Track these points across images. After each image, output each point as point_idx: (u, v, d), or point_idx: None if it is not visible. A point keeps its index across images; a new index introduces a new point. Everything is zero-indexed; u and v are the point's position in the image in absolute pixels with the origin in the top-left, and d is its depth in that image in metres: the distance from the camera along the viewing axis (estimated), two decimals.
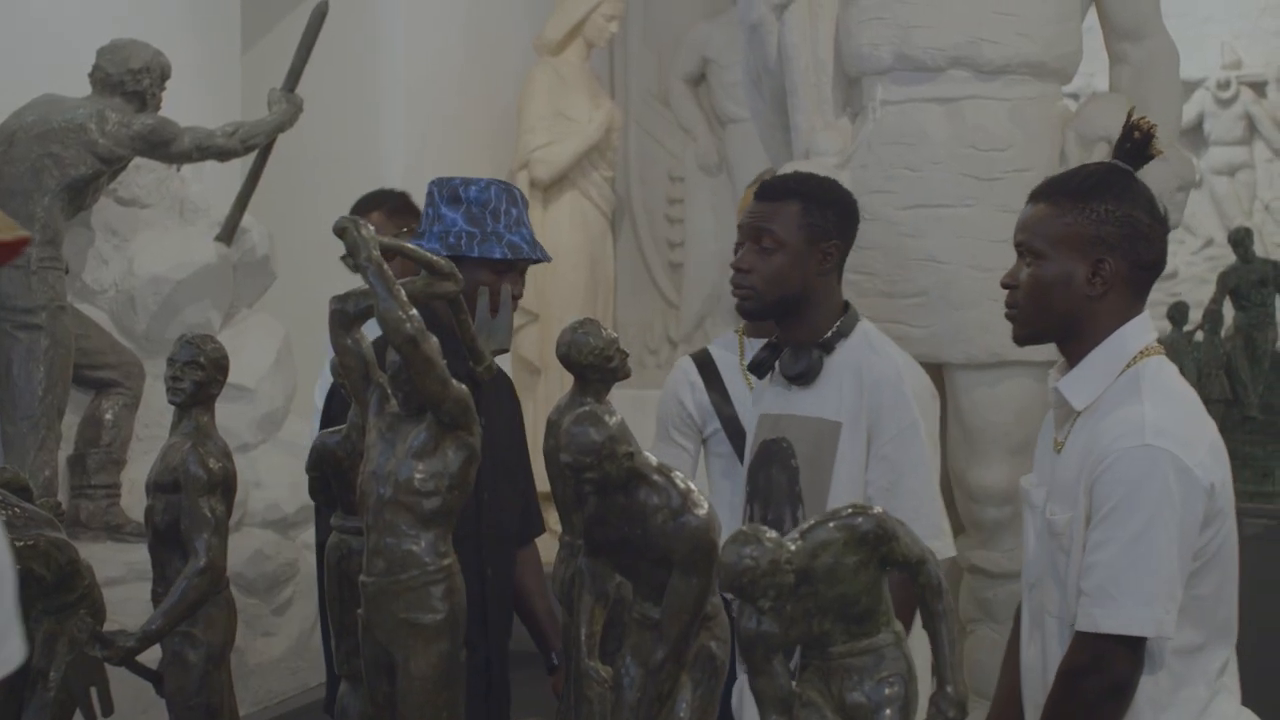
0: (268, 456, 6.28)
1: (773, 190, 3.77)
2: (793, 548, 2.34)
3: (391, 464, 2.62)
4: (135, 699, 4.50)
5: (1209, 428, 2.95)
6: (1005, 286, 3.09)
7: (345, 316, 2.71)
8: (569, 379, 3.22)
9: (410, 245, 2.75)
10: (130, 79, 5.69)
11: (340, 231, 2.57)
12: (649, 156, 9.49)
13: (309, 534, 6.24)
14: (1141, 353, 2.96)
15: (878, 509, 2.44)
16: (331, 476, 3.05)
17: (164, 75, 5.83)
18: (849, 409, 3.65)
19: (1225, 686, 2.98)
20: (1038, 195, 3.08)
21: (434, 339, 2.55)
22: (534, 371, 8.46)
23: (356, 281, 2.63)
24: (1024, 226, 3.05)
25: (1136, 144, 3.04)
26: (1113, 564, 2.76)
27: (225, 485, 3.06)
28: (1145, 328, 3.00)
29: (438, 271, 2.74)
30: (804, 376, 3.67)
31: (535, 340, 8.41)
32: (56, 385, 5.52)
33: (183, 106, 5.95)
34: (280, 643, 6.11)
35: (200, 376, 3.09)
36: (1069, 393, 2.99)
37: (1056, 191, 3.04)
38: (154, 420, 5.99)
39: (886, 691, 2.42)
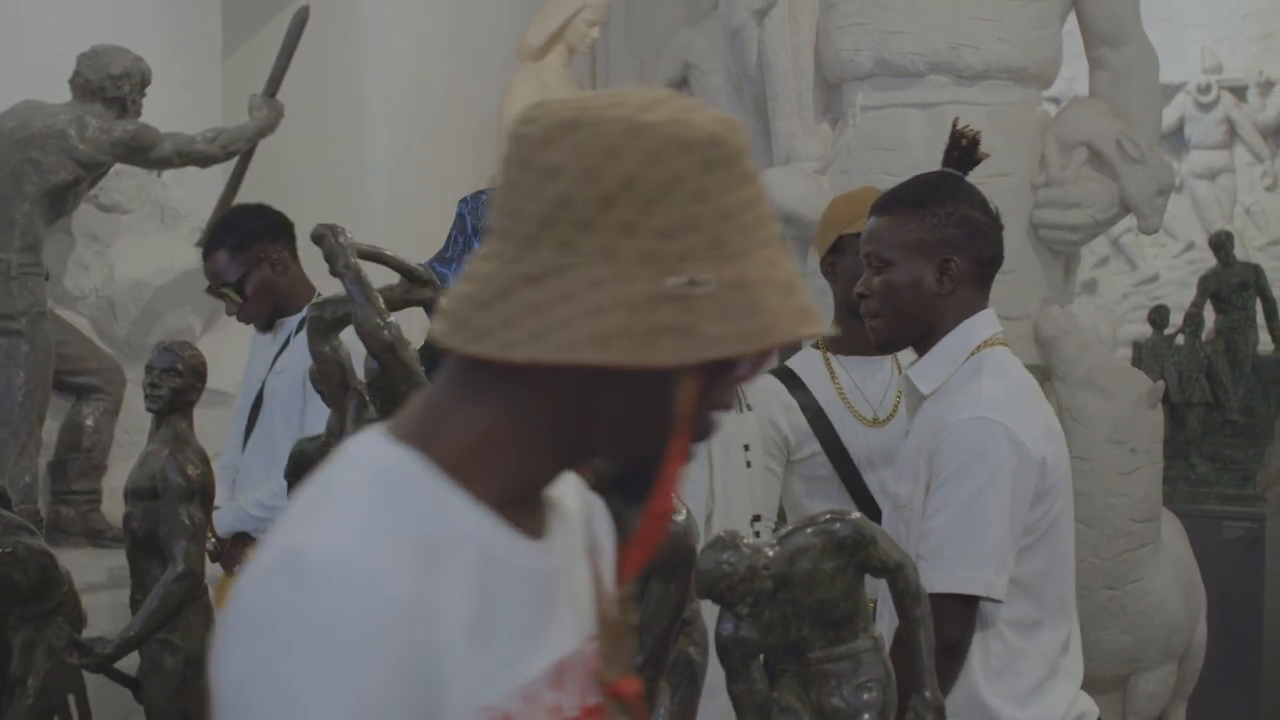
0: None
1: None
2: (770, 553, 2.34)
3: None
4: (114, 706, 4.49)
5: (1045, 410, 3.09)
6: (859, 296, 3.20)
7: (323, 323, 2.71)
8: None
9: (389, 252, 2.75)
10: (110, 85, 5.68)
11: (317, 239, 2.57)
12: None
13: None
14: (985, 343, 3.09)
15: (855, 514, 2.44)
16: None
17: (144, 81, 5.82)
18: None
19: (1064, 668, 3.09)
20: (878, 208, 3.19)
21: (412, 345, 2.55)
22: None
23: (338, 287, 2.63)
24: (870, 238, 3.17)
25: (964, 150, 3.21)
26: (946, 529, 2.88)
27: (203, 492, 3.07)
28: (990, 321, 3.14)
29: (416, 278, 2.74)
30: None
31: None
32: (37, 391, 5.51)
33: (163, 112, 5.94)
34: None
35: (178, 383, 3.09)
36: (917, 379, 3.13)
37: (895, 202, 3.16)
38: (135, 426, 5.98)
39: (865, 697, 2.42)
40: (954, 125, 3.24)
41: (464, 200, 3.52)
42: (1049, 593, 3.03)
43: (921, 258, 3.08)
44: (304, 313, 4.85)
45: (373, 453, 1.41)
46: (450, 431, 1.42)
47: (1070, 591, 3.11)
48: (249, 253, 4.84)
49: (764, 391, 4.14)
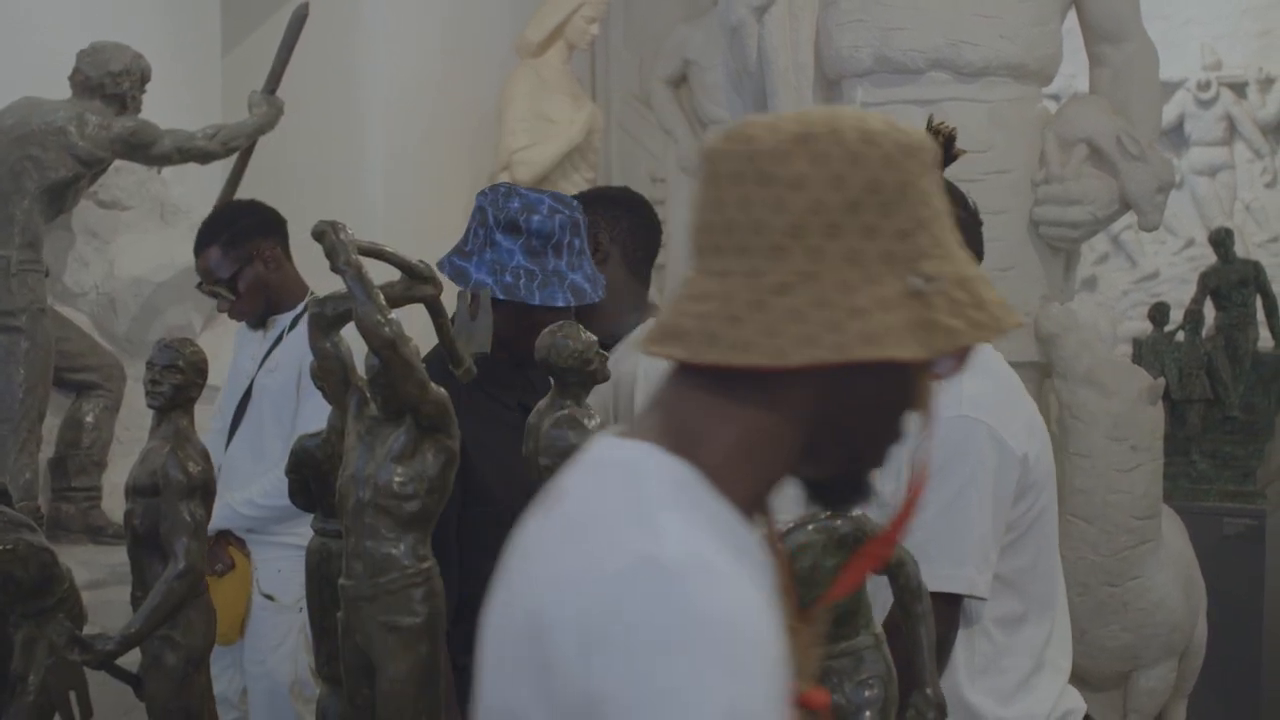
0: None
1: None
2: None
3: (370, 467, 2.62)
4: (115, 703, 4.49)
5: (1026, 406, 3.09)
6: None
7: (324, 319, 2.71)
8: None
9: (389, 249, 2.75)
10: (110, 82, 5.68)
11: (318, 235, 2.57)
12: (630, 158, 9.49)
13: None
14: None
15: (856, 511, 2.44)
16: (311, 479, 3.05)
17: (144, 78, 5.82)
18: None
19: (1050, 662, 3.07)
20: None
21: (413, 342, 2.55)
22: None
23: (336, 284, 2.63)
24: None
25: (941, 147, 3.17)
26: (928, 526, 2.82)
27: (204, 489, 3.06)
28: None
29: (417, 274, 2.74)
30: None
31: None
32: (37, 388, 5.51)
33: (163, 109, 5.93)
34: None
35: (179, 380, 3.08)
36: None
37: None
38: (135, 422, 5.98)
39: (866, 694, 2.43)
40: (929, 122, 3.24)
41: (483, 193, 3.45)
42: (1033, 588, 3.03)
43: None
44: (297, 310, 4.85)
45: (658, 465, 1.47)
46: (708, 442, 1.48)
47: (1055, 586, 3.11)
48: (242, 249, 4.83)
49: None
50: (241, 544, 4.77)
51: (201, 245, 4.90)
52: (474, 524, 3.20)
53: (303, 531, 4.70)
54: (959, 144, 4.74)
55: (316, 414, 4.56)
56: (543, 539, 1.49)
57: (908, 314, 1.46)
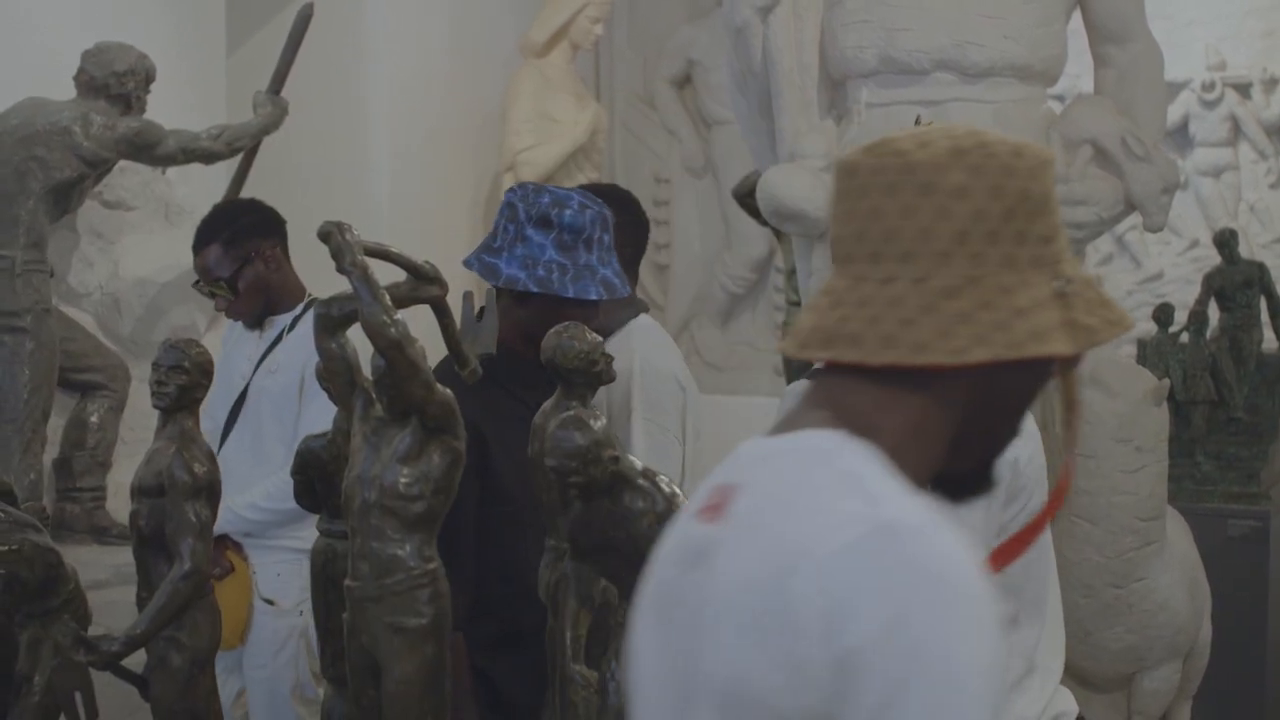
0: None
1: None
2: None
3: (376, 468, 2.62)
4: (120, 703, 4.49)
5: None
6: None
7: (330, 320, 2.71)
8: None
9: (395, 250, 2.75)
10: (115, 82, 5.68)
11: (324, 236, 2.57)
12: (634, 158, 9.49)
13: None
14: None
15: None
16: (316, 480, 3.05)
17: (149, 78, 5.82)
18: None
19: (1042, 663, 3.06)
20: None
21: (419, 343, 2.55)
22: None
23: (342, 284, 2.63)
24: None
25: None
26: None
27: (210, 490, 3.06)
28: None
29: (422, 275, 2.74)
30: None
31: None
32: (41, 388, 5.51)
33: (167, 109, 5.94)
34: None
35: (185, 380, 3.08)
36: None
37: None
38: (139, 423, 5.98)
39: None
40: (916, 122, 3.23)
41: (513, 190, 3.48)
42: (1027, 590, 3.02)
43: None
44: (296, 311, 4.83)
45: (852, 447, 1.58)
46: (882, 431, 1.60)
47: (1046, 588, 3.09)
48: (242, 248, 4.80)
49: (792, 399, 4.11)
50: (238, 548, 4.75)
51: (201, 243, 4.86)
52: (492, 523, 3.20)
53: (300, 534, 4.70)
54: None
55: (320, 416, 4.55)
56: (748, 525, 1.56)
57: (1057, 314, 1.60)
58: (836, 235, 1.65)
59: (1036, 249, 1.61)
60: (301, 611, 4.65)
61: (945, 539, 1.48)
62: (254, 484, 4.69)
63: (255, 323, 4.89)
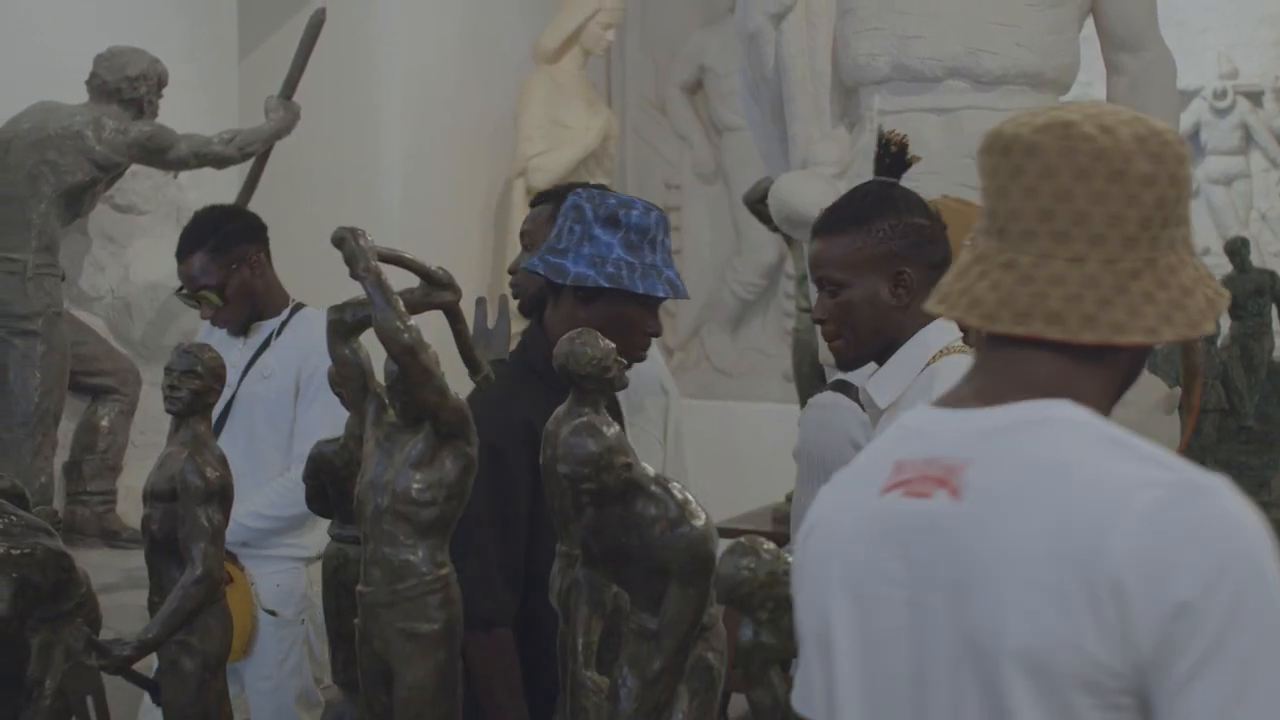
0: None
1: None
2: (790, 559, 2.34)
3: (389, 474, 2.62)
4: (131, 707, 4.49)
5: None
6: (817, 321, 3.21)
7: (343, 326, 2.71)
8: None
9: (408, 255, 2.75)
10: (127, 86, 5.69)
11: (338, 242, 2.57)
12: (646, 164, 9.50)
13: None
14: (941, 352, 3.05)
15: None
16: (328, 485, 3.05)
17: (161, 82, 5.83)
18: None
19: None
20: (819, 229, 3.18)
21: (431, 349, 2.55)
22: None
23: (355, 290, 2.63)
24: (818, 262, 3.16)
25: (894, 157, 3.18)
26: None
27: (222, 494, 3.06)
28: (946, 327, 3.08)
29: (436, 281, 2.74)
30: None
31: None
32: (53, 391, 5.52)
33: (179, 114, 5.94)
34: None
35: (197, 385, 3.08)
36: (874, 392, 3.13)
37: (836, 220, 3.14)
38: (150, 427, 5.98)
39: None
40: (879, 133, 3.23)
41: (577, 192, 3.51)
42: None
43: (874, 273, 3.07)
44: (283, 316, 4.81)
45: (1087, 415, 1.68)
46: (1082, 401, 1.70)
47: None
48: (229, 255, 4.76)
49: (837, 409, 4.06)
50: (233, 558, 4.70)
51: (186, 251, 4.82)
52: (544, 524, 3.20)
53: (299, 542, 4.68)
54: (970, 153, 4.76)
55: (318, 421, 4.54)
56: (1008, 495, 1.64)
57: (1202, 290, 1.74)
58: (1011, 209, 1.73)
59: (1185, 229, 1.75)
60: (303, 620, 4.64)
61: (1233, 494, 1.59)
62: (251, 492, 4.61)
63: (241, 329, 4.86)
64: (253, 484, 4.62)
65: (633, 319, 3.40)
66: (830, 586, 1.77)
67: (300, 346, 4.74)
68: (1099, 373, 1.73)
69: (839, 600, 1.76)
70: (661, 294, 3.45)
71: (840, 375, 4.06)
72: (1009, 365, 1.74)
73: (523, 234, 4.19)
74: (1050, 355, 1.71)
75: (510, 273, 4.24)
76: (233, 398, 4.77)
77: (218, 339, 4.87)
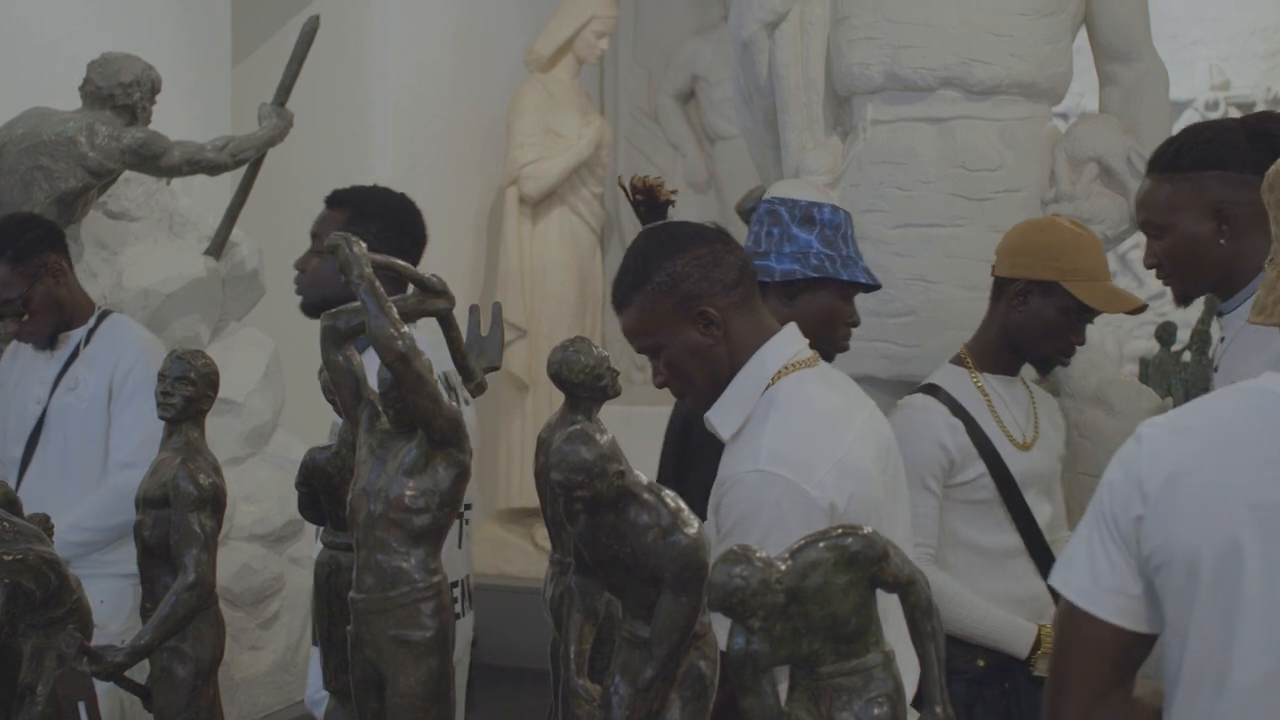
0: (256, 471, 6.27)
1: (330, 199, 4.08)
2: (783, 567, 2.34)
3: (382, 481, 2.62)
4: (124, 713, 4.48)
5: (838, 446, 2.99)
6: (659, 386, 3.17)
7: (336, 333, 2.71)
8: (558, 396, 3.22)
9: (401, 263, 2.76)
10: (121, 92, 5.68)
11: (332, 249, 2.57)
12: (638, 172, 9.49)
13: (296, 548, 6.24)
14: (780, 373, 3.04)
15: (868, 529, 2.44)
16: (320, 492, 3.05)
17: (154, 89, 5.83)
18: None
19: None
20: (617, 308, 3.14)
21: (425, 356, 2.55)
22: (523, 388, 8.47)
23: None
24: (628, 337, 3.13)
25: (648, 202, 3.18)
26: None
27: (215, 501, 3.06)
28: (779, 348, 3.07)
29: (429, 288, 2.74)
30: None
31: (524, 357, 8.41)
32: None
33: (173, 120, 5.94)
34: (267, 657, 6.10)
35: (191, 392, 3.09)
36: (716, 424, 3.08)
37: (621, 293, 3.10)
38: None
39: (875, 712, 2.42)
40: (620, 185, 3.24)
41: (768, 200, 3.70)
42: None
43: (678, 324, 3.04)
44: (90, 324, 4.72)
45: None
46: None
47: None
48: (31, 264, 4.71)
49: (926, 412, 4.08)
50: None
51: None
52: None
53: (122, 557, 4.52)
54: (970, 163, 4.76)
55: (132, 427, 4.45)
56: None
57: None
58: None
59: None
60: (124, 640, 4.60)
61: None
62: (70, 507, 4.54)
63: (47, 342, 4.79)
64: (70, 500, 4.51)
65: (836, 310, 3.59)
66: (1233, 517, 2.15)
67: (110, 353, 4.67)
68: None
69: (1246, 525, 2.14)
70: (863, 281, 3.60)
71: (930, 379, 4.12)
72: None
73: (314, 235, 4.16)
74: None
75: (299, 269, 4.17)
76: (44, 413, 4.69)
77: (24, 357, 4.77)
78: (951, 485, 4.04)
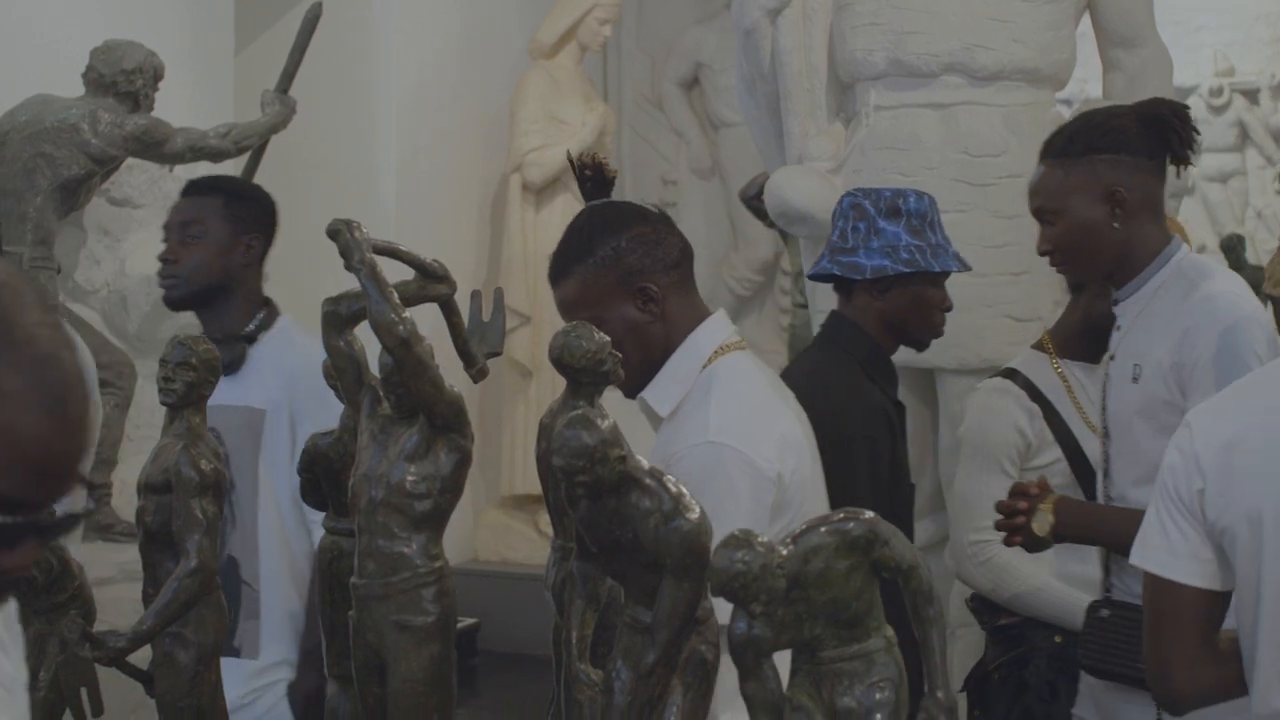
0: None
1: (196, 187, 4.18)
2: (784, 552, 2.34)
3: (383, 466, 2.62)
4: (125, 699, 4.49)
5: (780, 421, 3.06)
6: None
7: (338, 319, 2.71)
8: (561, 382, 3.21)
9: (403, 248, 2.75)
10: (124, 79, 5.69)
11: (333, 234, 2.57)
12: (642, 160, 9.50)
13: None
14: (717, 352, 3.08)
15: (869, 514, 2.44)
16: (323, 478, 3.05)
17: (157, 76, 5.83)
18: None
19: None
20: (553, 280, 3.21)
21: (427, 341, 2.55)
22: (526, 374, 8.47)
23: (350, 282, 2.63)
24: (563, 312, 3.18)
25: (595, 179, 3.21)
26: None
27: (217, 486, 3.06)
28: (715, 328, 3.13)
29: (431, 274, 2.74)
30: (229, 367, 3.76)
31: (527, 343, 8.41)
32: None
33: (176, 107, 5.94)
34: None
35: (192, 377, 3.08)
36: (653, 401, 3.12)
37: (560, 264, 3.18)
38: (145, 420, 5.98)
39: (877, 696, 2.42)
40: (570, 160, 3.30)
41: (850, 194, 3.71)
42: None
43: (616, 298, 3.11)
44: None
45: None
46: None
47: None
48: None
49: (1005, 395, 4.12)
50: None
51: None
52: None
53: None
54: (973, 149, 4.75)
55: None
56: None
57: None
58: None
59: None
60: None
61: None
62: None
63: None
64: None
65: (929, 298, 3.62)
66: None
67: None
68: None
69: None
70: (954, 268, 3.63)
71: (1011, 364, 4.16)
72: None
73: (191, 224, 4.22)
74: None
75: (163, 260, 4.22)
76: None
77: None
78: (1028, 469, 4.07)
